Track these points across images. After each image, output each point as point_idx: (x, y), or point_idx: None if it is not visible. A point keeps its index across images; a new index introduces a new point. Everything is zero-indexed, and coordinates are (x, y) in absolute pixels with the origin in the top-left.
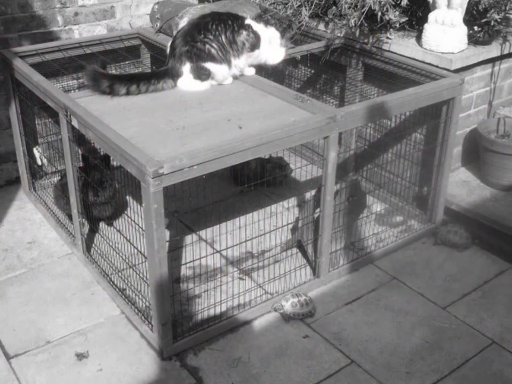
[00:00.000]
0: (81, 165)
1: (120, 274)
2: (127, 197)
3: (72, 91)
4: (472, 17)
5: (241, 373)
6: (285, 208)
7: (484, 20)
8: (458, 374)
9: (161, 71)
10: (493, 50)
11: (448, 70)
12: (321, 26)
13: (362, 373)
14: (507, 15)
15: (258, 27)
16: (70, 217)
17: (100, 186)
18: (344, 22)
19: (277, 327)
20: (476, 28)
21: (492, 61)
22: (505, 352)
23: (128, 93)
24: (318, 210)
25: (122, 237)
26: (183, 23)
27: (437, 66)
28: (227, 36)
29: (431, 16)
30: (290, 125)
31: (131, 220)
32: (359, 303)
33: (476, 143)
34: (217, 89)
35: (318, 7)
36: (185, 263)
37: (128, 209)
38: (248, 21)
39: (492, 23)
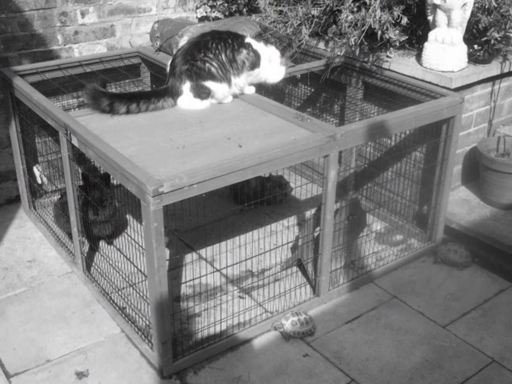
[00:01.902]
0: (81, 184)
1: (120, 293)
2: (127, 216)
3: (72, 110)
4: (472, 35)
5: None
6: (285, 227)
7: (484, 39)
8: None
9: (161, 90)
10: (493, 69)
11: (448, 88)
12: (321, 45)
13: None
14: (507, 33)
15: (258, 46)
16: (70, 235)
17: (99, 205)
18: (344, 40)
19: (277, 346)
20: (476, 46)
21: (492, 79)
22: (505, 371)
23: (128, 112)
24: (318, 229)
25: (122, 255)
26: (183, 41)
27: (437, 85)
28: (227, 55)
29: (431, 34)
30: (290, 143)
31: (131, 238)
32: (359, 322)
33: (476, 162)
34: (217, 107)
35: (318, 25)
36: (185, 282)
37: (128, 227)
38: (248, 40)
39: (492, 41)
